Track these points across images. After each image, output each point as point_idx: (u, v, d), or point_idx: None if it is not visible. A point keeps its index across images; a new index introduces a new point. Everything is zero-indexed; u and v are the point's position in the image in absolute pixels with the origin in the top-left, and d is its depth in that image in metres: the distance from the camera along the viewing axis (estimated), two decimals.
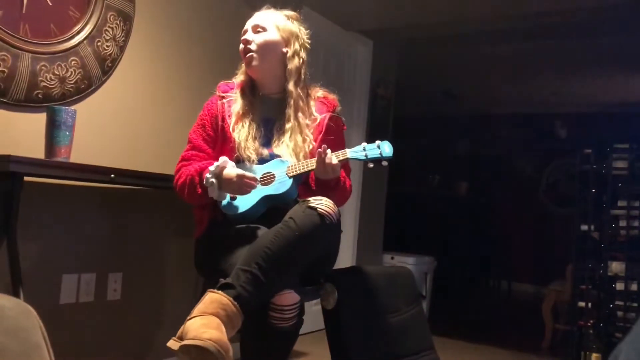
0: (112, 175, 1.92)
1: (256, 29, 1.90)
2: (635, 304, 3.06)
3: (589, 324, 3.16)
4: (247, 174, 1.70)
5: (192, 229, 1.97)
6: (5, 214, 1.82)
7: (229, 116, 1.89)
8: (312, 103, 1.93)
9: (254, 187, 1.72)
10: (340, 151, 1.74)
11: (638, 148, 3.25)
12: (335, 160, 1.70)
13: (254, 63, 1.88)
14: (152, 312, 2.49)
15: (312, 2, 3.22)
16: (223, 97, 1.95)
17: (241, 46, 1.93)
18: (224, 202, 1.79)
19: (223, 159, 1.75)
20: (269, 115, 1.91)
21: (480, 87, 6.23)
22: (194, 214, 1.92)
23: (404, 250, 4.49)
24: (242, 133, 1.83)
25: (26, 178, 1.84)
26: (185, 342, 1.35)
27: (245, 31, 1.93)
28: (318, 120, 1.90)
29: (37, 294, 2.00)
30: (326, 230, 1.57)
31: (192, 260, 1.95)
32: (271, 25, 1.90)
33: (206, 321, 1.40)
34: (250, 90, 1.93)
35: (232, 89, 1.97)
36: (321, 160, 1.69)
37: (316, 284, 1.91)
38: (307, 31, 1.98)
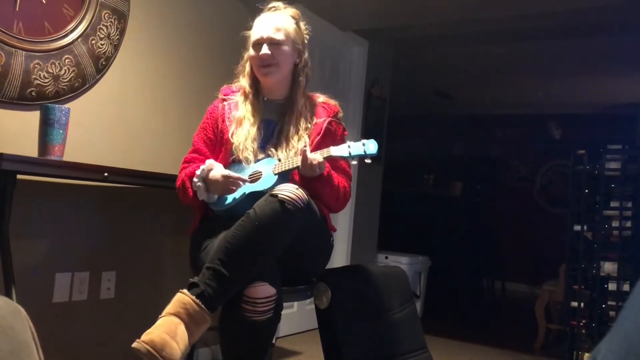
0: (105, 174, 1.92)
1: (271, 42, 1.87)
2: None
3: (582, 323, 3.17)
4: (232, 174, 1.74)
5: (185, 227, 1.98)
6: None
7: (228, 119, 1.92)
8: (313, 109, 1.96)
9: (239, 186, 1.75)
10: (324, 149, 1.76)
11: (631, 149, 3.27)
12: (320, 158, 1.73)
13: (273, 76, 1.90)
14: (146, 310, 2.48)
15: (307, 1, 3.22)
16: (225, 100, 1.98)
17: (251, 53, 1.91)
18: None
19: (209, 162, 1.80)
20: (270, 117, 1.94)
21: (474, 88, 6.25)
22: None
23: (399, 250, 4.51)
24: (242, 135, 1.86)
25: (19, 176, 1.83)
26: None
27: (260, 41, 1.88)
28: (316, 123, 1.92)
29: (30, 293, 2.00)
30: (288, 215, 1.55)
31: (185, 258, 1.96)
32: (285, 37, 1.89)
33: (161, 322, 1.46)
34: (253, 94, 1.95)
35: (234, 92, 2.00)
36: (304, 160, 1.71)
37: (309, 283, 1.92)
38: (308, 27, 2.00)
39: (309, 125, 1.90)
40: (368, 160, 1.74)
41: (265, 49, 1.87)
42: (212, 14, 2.75)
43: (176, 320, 1.47)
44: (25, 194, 1.96)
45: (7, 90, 1.93)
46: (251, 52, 1.92)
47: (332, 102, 2.01)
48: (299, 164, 1.73)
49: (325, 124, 1.92)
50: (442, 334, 3.84)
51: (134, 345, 1.40)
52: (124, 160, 2.29)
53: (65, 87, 2.10)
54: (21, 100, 1.98)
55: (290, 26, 1.93)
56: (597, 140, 3.62)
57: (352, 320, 1.90)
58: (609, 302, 3.12)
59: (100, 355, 2.29)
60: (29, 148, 1.91)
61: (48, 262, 2.12)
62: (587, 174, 3.29)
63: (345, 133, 2.02)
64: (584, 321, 3.17)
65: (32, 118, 1.97)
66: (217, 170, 1.77)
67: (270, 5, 1.97)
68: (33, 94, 2.00)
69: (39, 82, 2.01)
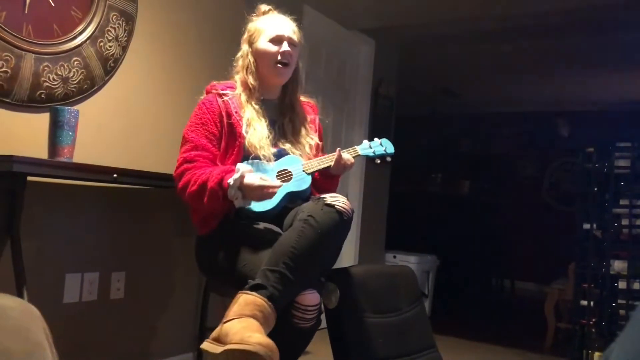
0: (115, 175, 1.93)
1: (290, 42, 1.93)
2: (637, 303, 3.06)
3: (591, 322, 3.16)
4: (268, 182, 1.69)
5: (195, 227, 1.97)
6: (9, 214, 1.83)
7: (236, 113, 1.90)
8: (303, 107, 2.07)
9: (275, 193, 1.73)
10: (351, 148, 1.93)
11: None
12: (352, 159, 1.89)
13: (285, 77, 1.96)
14: (156, 311, 2.50)
15: (314, 1, 3.22)
16: (222, 95, 1.94)
17: (272, 50, 1.91)
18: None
19: (241, 168, 1.71)
20: (270, 115, 1.97)
21: (482, 86, 6.22)
22: (197, 211, 1.91)
23: (407, 249, 4.50)
24: (256, 135, 1.86)
25: (29, 178, 1.85)
26: (231, 346, 1.37)
27: (281, 38, 1.92)
28: (309, 120, 2.04)
29: (41, 293, 2.01)
30: (344, 226, 1.65)
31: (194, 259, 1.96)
32: (298, 41, 1.98)
33: (246, 324, 1.42)
34: (258, 91, 1.96)
35: (229, 87, 1.98)
36: (338, 160, 1.83)
37: (318, 283, 1.92)
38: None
39: (311, 125, 2.02)
40: (389, 159, 1.94)
41: (287, 47, 1.91)
42: (219, 15, 2.76)
43: (256, 322, 1.45)
44: (36, 195, 1.97)
45: (17, 93, 1.95)
46: (268, 47, 1.92)
47: (312, 100, 2.12)
48: (330, 163, 1.84)
49: (317, 121, 2.07)
50: (451, 333, 3.84)
51: (251, 348, 1.34)
52: (134, 161, 2.30)
53: (74, 89, 2.12)
54: (31, 102, 2.00)
55: (298, 32, 2.00)
56: (606, 137, 3.59)
57: (360, 320, 1.90)
58: (619, 301, 3.10)
59: (110, 355, 2.30)
60: (39, 150, 1.92)
61: (58, 263, 2.13)
62: (596, 172, 3.27)
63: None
64: (593, 320, 3.15)
65: (42, 120, 1.98)
66: (250, 177, 1.69)
67: (273, 7, 2.02)
68: (42, 96, 2.02)
69: (48, 84, 2.02)
